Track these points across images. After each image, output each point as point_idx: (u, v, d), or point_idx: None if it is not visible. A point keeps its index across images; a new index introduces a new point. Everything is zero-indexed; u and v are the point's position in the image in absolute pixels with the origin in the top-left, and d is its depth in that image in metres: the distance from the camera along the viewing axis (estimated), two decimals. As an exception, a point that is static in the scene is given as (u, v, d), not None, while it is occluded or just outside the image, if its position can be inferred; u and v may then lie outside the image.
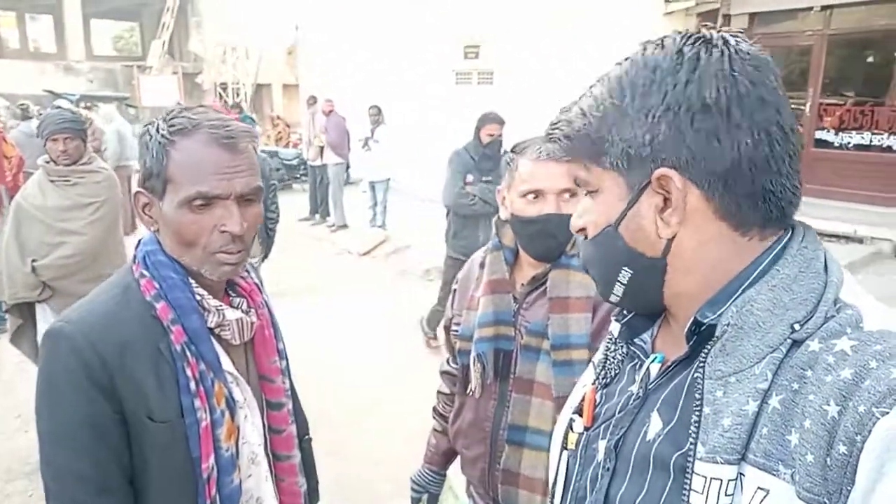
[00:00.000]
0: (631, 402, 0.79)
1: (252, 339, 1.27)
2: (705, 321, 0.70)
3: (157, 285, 1.14)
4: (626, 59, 0.73)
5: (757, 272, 0.69)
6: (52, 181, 3.30)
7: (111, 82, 21.38)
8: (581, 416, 0.87)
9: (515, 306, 1.55)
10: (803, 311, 0.66)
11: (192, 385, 1.12)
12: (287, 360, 1.38)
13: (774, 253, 0.70)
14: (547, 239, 1.48)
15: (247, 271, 1.33)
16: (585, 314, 1.44)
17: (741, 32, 0.71)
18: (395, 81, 12.30)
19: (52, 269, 3.28)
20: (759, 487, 0.62)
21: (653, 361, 0.80)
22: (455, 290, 1.74)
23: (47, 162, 3.32)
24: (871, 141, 8.32)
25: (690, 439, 0.67)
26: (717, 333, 0.68)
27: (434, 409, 1.87)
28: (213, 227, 1.13)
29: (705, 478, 0.65)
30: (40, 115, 5.85)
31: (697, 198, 0.69)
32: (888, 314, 0.66)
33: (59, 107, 4.71)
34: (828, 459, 0.58)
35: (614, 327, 0.87)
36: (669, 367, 0.76)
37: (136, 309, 1.13)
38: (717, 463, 0.64)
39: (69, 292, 3.17)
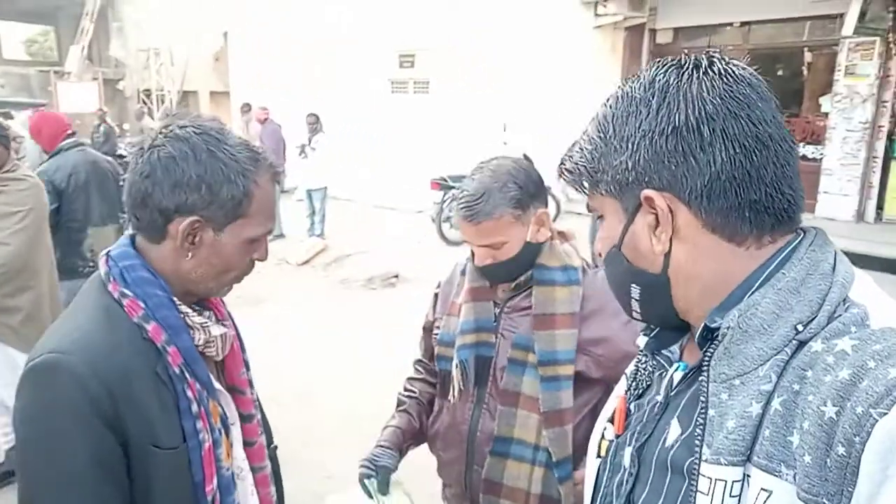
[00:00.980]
0: (655, 409, 0.82)
1: None
2: (713, 326, 0.72)
3: (142, 304, 1.06)
4: (610, 97, 0.79)
5: (763, 276, 0.71)
6: None
7: (25, 87, 20.26)
8: (613, 424, 0.89)
9: (497, 311, 1.56)
10: (808, 312, 0.67)
11: (194, 407, 1.07)
12: (249, 370, 1.34)
13: (782, 257, 0.72)
14: (495, 277, 1.54)
15: None
16: (572, 330, 1.46)
17: (716, 51, 0.74)
18: (331, 89, 12.19)
19: (-25, 282, 3.06)
20: (762, 488, 0.63)
21: (676, 370, 0.82)
22: (437, 294, 1.74)
23: None
24: (788, 150, 8.88)
25: (696, 442, 0.69)
26: (718, 337, 0.70)
27: (399, 393, 1.83)
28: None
29: (710, 479, 0.66)
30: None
31: (685, 214, 0.72)
32: None
33: None
34: (827, 461, 0.59)
35: (642, 340, 0.89)
36: (687, 374, 0.79)
37: (127, 332, 1.05)
38: (722, 464, 0.65)
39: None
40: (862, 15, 7.42)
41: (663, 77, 0.73)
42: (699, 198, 0.71)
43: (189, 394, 1.07)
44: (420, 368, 1.84)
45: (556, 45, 9.43)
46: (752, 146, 0.70)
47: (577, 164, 0.81)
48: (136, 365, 1.03)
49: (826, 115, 8.69)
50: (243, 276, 1.18)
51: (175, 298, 1.10)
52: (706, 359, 0.71)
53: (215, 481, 1.10)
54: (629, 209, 0.76)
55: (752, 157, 0.70)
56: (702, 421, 0.69)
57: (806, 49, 9.16)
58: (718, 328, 0.71)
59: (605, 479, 0.87)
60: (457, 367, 1.56)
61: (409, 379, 1.84)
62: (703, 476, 0.67)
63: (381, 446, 1.66)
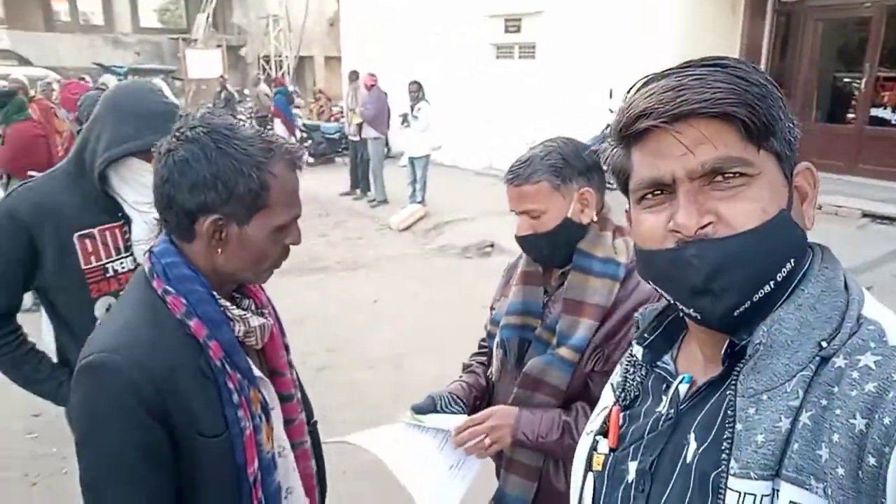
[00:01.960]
0: (662, 423, 0.80)
1: None
2: (740, 343, 0.72)
3: (184, 301, 1.11)
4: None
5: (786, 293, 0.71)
6: None
7: (158, 55, 21.72)
8: (605, 437, 0.88)
9: (546, 299, 1.58)
10: (829, 329, 0.68)
11: (235, 397, 1.13)
12: (290, 352, 1.41)
13: (800, 274, 0.72)
14: (533, 250, 1.56)
15: None
16: (593, 322, 1.46)
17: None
18: (436, 55, 12.20)
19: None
20: (791, 501, 0.63)
21: (681, 382, 0.81)
22: (503, 276, 1.79)
23: None
24: (932, 119, 8.00)
25: (723, 456, 0.69)
26: (749, 352, 0.70)
27: (463, 362, 1.88)
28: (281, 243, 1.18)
29: (739, 493, 0.66)
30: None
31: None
32: None
33: (99, 88, 4.80)
34: (860, 472, 0.59)
35: (637, 350, 0.88)
36: (701, 388, 0.78)
37: (171, 329, 1.11)
38: (751, 478, 0.65)
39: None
40: None
41: None
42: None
43: (230, 385, 1.13)
44: (483, 345, 1.88)
45: (669, 7, 8.92)
46: None
47: (757, 104, 0.69)
48: (180, 360, 1.09)
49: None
50: (281, 261, 1.21)
51: (215, 293, 1.15)
52: (735, 373, 0.71)
53: (256, 463, 1.17)
54: (789, 174, 0.73)
55: None
56: (729, 435, 0.69)
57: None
58: (745, 344, 0.71)
59: (602, 494, 0.86)
60: (498, 345, 1.60)
61: (473, 355, 1.89)
62: (731, 490, 0.67)
63: (449, 391, 1.67)
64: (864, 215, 7.41)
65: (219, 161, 1.08)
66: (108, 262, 1.79)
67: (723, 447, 0.69)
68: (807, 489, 0.63)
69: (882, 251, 6.36)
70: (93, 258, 1.76)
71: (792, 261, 0.70)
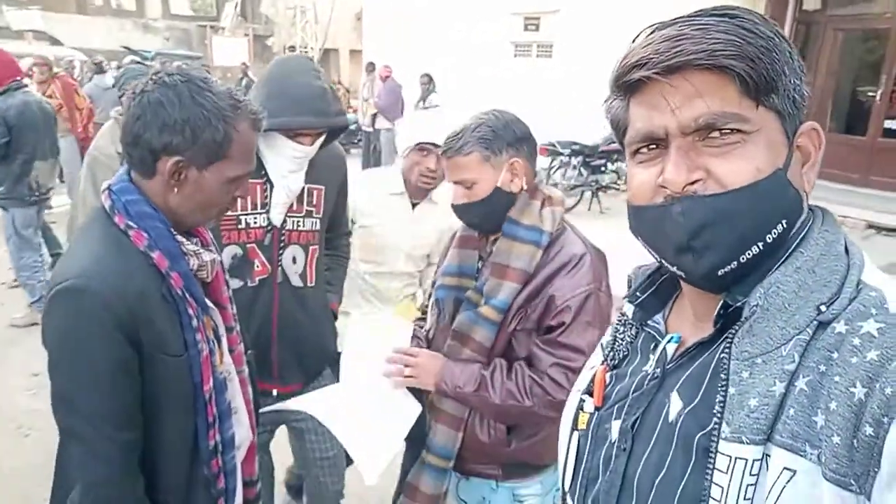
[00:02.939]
0: (647, 382, 0.79)
1: None
2: (734, 304, 0.70)
3: (146, 235, 1.20)
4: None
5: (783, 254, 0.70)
6: None
7: (186, 41, 22.07)
8: (591, 396, 0.87)
9: (480, 264, 1.66)
10: (828, 293, 0.66)
11: (194, 322, 1.24)
12: (230, 288, 1.51)
13: (800, 237, 0.70)
14: (468, 218, 1.64)
15: None
16: (516, 285, 1.54)
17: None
18: (456, 53, 12.27)
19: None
20: (785, 468, 0.62)
21: (669, 342, 0.79)
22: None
23: (121, 114, 3.49)
24: (946, 133, 7.88)
25: (715, 419, 0.66)
26: (744, 315, 0.68)
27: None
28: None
29: (730, 457, 0.64)
30: (119, 68, 6.12)
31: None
32: None
33: (138, 62, 4.91)
34: (854, 441, 0.58)
35: (628, 309, 0.86)
36: (690, 348, 0.76)
37: (137, 260, 1.20)
38: (743, 443, 0.64)
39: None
40: None
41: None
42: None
43: (189, 311, 1.24)
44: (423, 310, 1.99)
45: (686, 8, 8.86)
46: None
47: (759, 57, 0.65)
48: (147, 287, 1.19)
49: None
50: (227, 209, 1.34)
51: (172, 230, 1.25)
52: (729, 336, 0.69)
53: (211, 382, 1.29)
54: (790, 134, 0.70)
55: None
56: (721, 398, 0.66)
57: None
58: (740, 306, 0.69)
59: (587, 452, 0.84)
60: (433, 304, 1.70)
61: (417, 319, 1.99)
62: (722, 454, 0.65)
63: None
64: (870, 226, 7.38)
65: (191, 108, 1.18)
66: (242, 214, 1.86)
67: (714, 410, 0.67)
68: (801, 455, 0.61)
69: (885, 262, 6.32)
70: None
71: (784, 222, 0.68)
